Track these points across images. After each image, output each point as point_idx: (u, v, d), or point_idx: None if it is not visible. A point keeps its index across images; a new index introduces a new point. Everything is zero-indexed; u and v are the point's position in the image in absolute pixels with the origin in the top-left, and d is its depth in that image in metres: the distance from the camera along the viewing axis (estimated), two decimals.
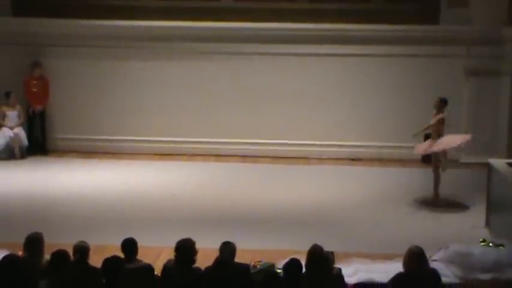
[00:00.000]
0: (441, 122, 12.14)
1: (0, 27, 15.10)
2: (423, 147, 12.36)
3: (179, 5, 15.12)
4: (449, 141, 12.18)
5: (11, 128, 14.94)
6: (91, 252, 7.83)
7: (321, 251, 7.55)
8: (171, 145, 15.21)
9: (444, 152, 12.27)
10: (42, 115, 15.33)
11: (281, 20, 14.93)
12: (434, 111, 12.25)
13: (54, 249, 7.60)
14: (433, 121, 12.15)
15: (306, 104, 15.19)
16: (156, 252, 9.30)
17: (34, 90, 15.19)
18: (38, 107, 15.25)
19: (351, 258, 9.23)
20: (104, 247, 8.92)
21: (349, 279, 8.38)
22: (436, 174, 12.19)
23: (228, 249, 7.84)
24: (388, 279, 7.57)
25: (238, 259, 7.92)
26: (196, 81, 15.26)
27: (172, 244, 7.77)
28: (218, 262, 7.62)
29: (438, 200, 12.18)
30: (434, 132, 12.21)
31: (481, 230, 10.72)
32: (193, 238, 7.74)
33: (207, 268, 7.67)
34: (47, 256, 7.75)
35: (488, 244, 9.59)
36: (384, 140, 15.06)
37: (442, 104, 12.20)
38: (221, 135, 15.20)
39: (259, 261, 8.72)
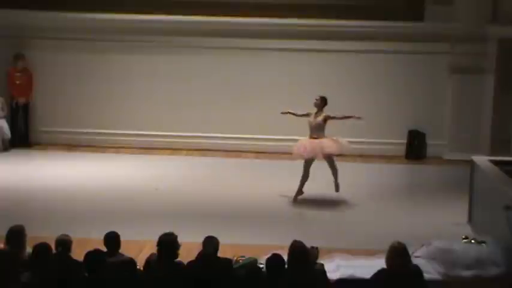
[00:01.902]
0: (326, 121, 11.94)
1: None
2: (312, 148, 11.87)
3: None
4: (335, 144, 11.96)
5: None
6: (73, 246, 7.82)
7: (301, 247, 7.56)
8: (155, 139, 15.18)
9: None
10: (26, 107, 15.26)
11: (273, 16, 14.90)
12: (316, 110, 11.95)
13: (36, 242, 7.58)
14: (320, 120, 11.85)
15: (291, 99, 15.16)
16: (139, 246, 9.28)
17: (17, 82, 15.12)
18: (21, 100, 15.18)
19: (333, 254, 9.24)
20: (86, 241, 8.90)
21: (332, 275, 8.39)
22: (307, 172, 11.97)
23: (211, 243, 7.85)
24: (370, 275, 7.58)
25: (221, 254, 7.92)
26: (182, 75, 15.24)
27: (155, 238, 7.76)
28: (201, 256, 7.61)
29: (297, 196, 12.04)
30: (319, 130, 11.92)
31: (463, 227, 10.77)
32: (176, 232, 7.72)
33: (190, 262, 7.66)
34: (29, 249, 7.73)
35: (470, 241, 9.62)
36: (367, 136, 15.09)
37: (323, 102, 11.98)
38: (206, 130, 15.19)
39: (242, 256, 8.72)
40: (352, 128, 15.11)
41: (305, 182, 12.02)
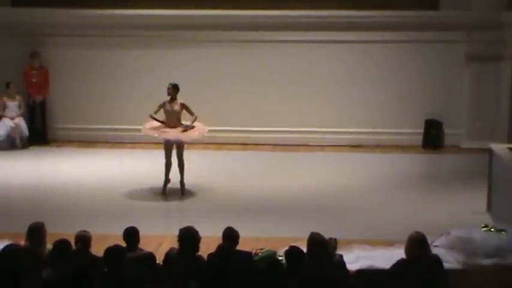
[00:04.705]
0: (183, 109, 11.93)
1: None
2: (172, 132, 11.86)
3: None
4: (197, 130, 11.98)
5: (12, 119, 14.93)
6: (93, 242, 7.87)
7: (320, 238, 7.55)
8: None
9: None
10: (43, 105, 15.32)
11: (282, 8, 14.87)
12: (169, 98, 11.93)
13: (56, 238, 7.61)
14: (176, 108, 11.89)
15: (307, 91, 15.17)
16: (158, 240, 9.31)
17: (34, 80, 15.17)
18: (38, 97, 15.24)
19: (352, 245, 9.23)
20: (105, 236, 8.93)
21: (351, 266, 8.37)
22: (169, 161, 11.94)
23: (230, 235, 7.87)
24: (390, 266, 7.57)
25: (240, 247, 7.94)
26: (197, 69, 15.23)
27: (174, 232, 7.78)
28: (221, 250, 7.62)
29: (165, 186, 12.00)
30: (177, 118, 11.92)
31: (482, 215, 10.72)
32: (195, 226, 7.73)
33: (210, 255, 7.68)
34: (49, 245, 7.76)
35: (490, 229, 9.59)
36: (384, 126, 15.05)
37: (176, 90, 11.95)
38: (222, 123, 15.16)
39: (261, 249, 8.73)
40: (368, 119, 15.14)
41: (169, 169, 11.94)
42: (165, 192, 11.96)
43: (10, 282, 6.95)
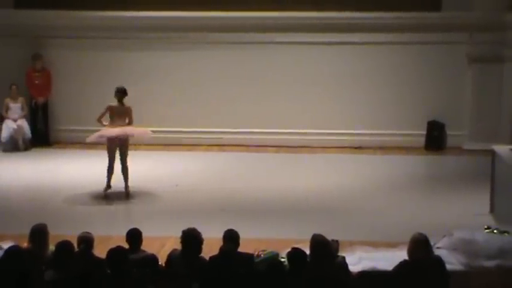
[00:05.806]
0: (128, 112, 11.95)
1: (1, 20, 15.12)
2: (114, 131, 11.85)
3: None
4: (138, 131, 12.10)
5: (14, 120, 14.96)
6: (95, 243, 7.86)
7: (322, 240, 7.55)
8: (174, 135, 15.20)
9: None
10: (45, 107, 15.35)
11: (285, 9, 14.89)
12: (117, 102, 11.91)
13: (59, 240, 7.61)
14: (123, 111, 11.91)
15: (309, 93, 15.18)
16: (161, 242, 9.30)
17: (36, 82, 15.21)
18: (41, 99, 15.26)
19: (354, 247, 9.23)
20: (108, 238, 8.93)
21: (354, 268, 8.36)
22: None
23: (231, 237, 7.87)
24: (392, 267, 7.57)
25: (242, 248, 7.93)
26: (200, 71, 15.26)
27: (177, 234, 7.78)
28: (222, 252, 7.62)
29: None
30: (122, 120, 11.89)
31: (485, 217, 10.71)
32: (197, 228, 7.73)
33: (212, 257, 7.68)
34: (51, 247, 7.77)
35: (492, 231, 9.58)
36: (387, 128, 15.05)
37: (124, 94, 11.93)
38: (225, 125, 15.20)
39: (264, 250, 8.72)
40: (371, 120, 15.15)
41: (112, 175, 11.90)
42: (107, 196, 11.86)
43: (13, 284, 6.96)
